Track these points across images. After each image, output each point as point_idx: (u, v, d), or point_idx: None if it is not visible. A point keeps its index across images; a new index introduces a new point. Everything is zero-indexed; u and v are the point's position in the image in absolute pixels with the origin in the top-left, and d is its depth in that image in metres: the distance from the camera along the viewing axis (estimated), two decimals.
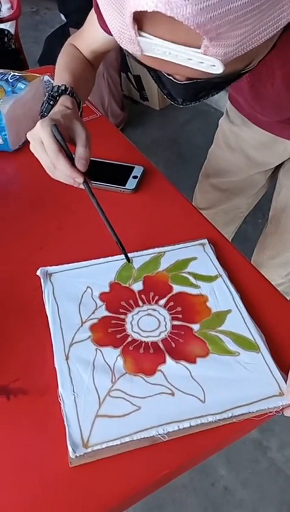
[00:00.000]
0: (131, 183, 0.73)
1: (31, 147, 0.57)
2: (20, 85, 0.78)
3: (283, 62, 0.52)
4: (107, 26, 0.64)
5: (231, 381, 0.49)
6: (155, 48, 0.34)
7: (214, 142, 0.97)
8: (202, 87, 0.42)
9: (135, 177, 0.74)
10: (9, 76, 0.80)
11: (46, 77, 0.93)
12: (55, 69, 0.70)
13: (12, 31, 1.73)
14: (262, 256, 1.04)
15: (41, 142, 0.54)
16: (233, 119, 0.88)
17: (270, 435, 1.20)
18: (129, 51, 0.36)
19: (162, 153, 2.06)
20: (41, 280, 0.59)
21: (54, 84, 0.64)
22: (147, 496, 0.46)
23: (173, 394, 0.48)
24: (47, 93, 0.62)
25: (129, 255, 0.61)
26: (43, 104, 0.62)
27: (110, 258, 0.62)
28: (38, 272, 0.59)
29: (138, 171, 0.76)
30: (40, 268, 0.60)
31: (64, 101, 0.60)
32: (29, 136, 0.56)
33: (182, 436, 0.45)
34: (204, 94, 0.44)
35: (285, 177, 0.90)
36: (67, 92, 0.62)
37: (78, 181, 0.55)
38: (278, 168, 0.93)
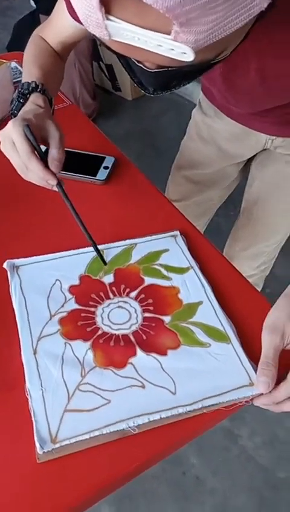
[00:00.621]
0: (102, 174, 0.72)
1: (2, 147, 0.54)
2: None
3: (257, 54, 0.52)
4: (74, 13, 0.62)
5: (202, 373, 0.49)
6: (123, 33, 0.32)
7: (186, 133, 0.97)
8: (173, 76, 0.41)
9: (106, 167, 0.73)
10: None
11: (14, 63, 0.90)
12: (23, 62, 0.68)
13: None
14: (234, 248, 1.05)
15: (13, 143, 0.52)
16: (206, 111, 0.87)
17: (241, 423, 1.22)
18: (97, 35, 0.34)
19: (135, 144, 2.04)
20: (8, 273, 0.57)
21: (23, 81, 0.62)
22: (122, 486, 0.45)
23: (143, 387, 0.47)
24: (17, 91, 0.60)
25: (100, 247, 0.60)
26: (12, 102, 0.60)
27: (80, 250, 0.61)
28: (4, 265, 0.58)
29: (109, 161, 0.74)
30: (7, 260, 0.58)
31: (35, 99, 0.58)
32: (1, 134, 0.54)
33: (153, 428, 0.45)
34: (175, 83, 0.43)
35: (257, 170, 0.91)
36: (38, 90, 0.59)
37: (51, 183, 0.54)
38: (250, 160, 0.93)
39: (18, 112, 0.58)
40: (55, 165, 0.54)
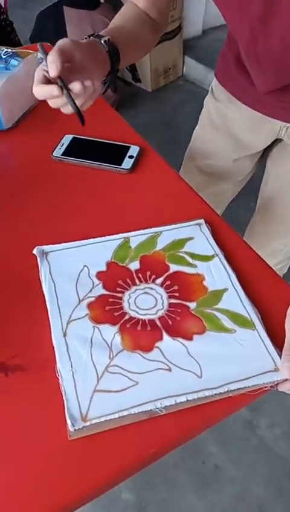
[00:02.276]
0: (127, 163, 0.73)
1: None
2: (13, 61, 0.77)
3: None
4: None
5: (227, 357, 0.50)
6: None
7: (199, 122, 0.96)
8: None
9: (131, 156, 0.74)
10: (2, 52, 0.78)
11: (40, 54, 0.91)
12: None
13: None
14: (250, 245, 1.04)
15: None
16: (218, 97, 0.86)
17: (260, 414, 1.23)
18: None
19: (154, 135, 2.04)
20: (38, 259, 0.59)
21: None
22: (143, 469, 0.47)
23: (170, 370, 0.48)
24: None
25: (126, 234, 0.62)
26: None
27: (107, 238, 0.62)
28: (34, 251, 0.59)
29: (133, 150, 0.75)
30: (37, 247, 0.60)
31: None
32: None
33: (178, 411, 0.46)
34: None
35: (272, 166, 0.90)
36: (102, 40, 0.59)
37: (50, 74, 0.53)
38: (266, 156, 0.92)
39: None
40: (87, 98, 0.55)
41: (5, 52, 0.78)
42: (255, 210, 1.00)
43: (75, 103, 0.54)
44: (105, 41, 0.60)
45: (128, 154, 0.74)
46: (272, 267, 1.02)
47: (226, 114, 0.86)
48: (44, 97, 0.54)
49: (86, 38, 0.59)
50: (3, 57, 0.77)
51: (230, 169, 0.94)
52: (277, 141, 0.87)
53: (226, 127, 0.87)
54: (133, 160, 0.73)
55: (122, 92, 2.27)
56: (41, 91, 0.54)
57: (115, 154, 0.74)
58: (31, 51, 0.81)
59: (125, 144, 0.76)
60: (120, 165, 0.73)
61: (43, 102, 0.56)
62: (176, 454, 1.16)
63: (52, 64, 0.52)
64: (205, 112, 0.93)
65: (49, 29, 1.80)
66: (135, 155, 0.74)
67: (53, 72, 0.52)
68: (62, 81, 0.53)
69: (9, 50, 0.79)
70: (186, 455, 1.17)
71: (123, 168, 0.72)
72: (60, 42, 0.54)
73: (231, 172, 0.95)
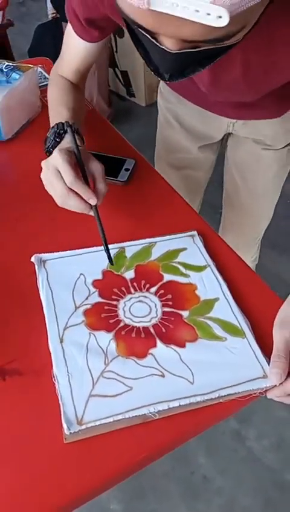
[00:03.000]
0: (123, 175, 0.75)
1: (44, 176, 0.59)
2: (14, 75, 0.79)
3: (244, 48, 0.53)
4: (84, 31, 0.66)
5: (218, 364, 0.51)
6: (164, 1, 0.34)
7: (157, 124, 1.00)
8: (191, 59, 0.43)
9: (126, 169, 0.76)
10: (4, 66, 0.80)
11: (39, 69, 0.94)
12: (49, 103, 0.72)
13: None
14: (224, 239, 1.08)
15: (57, 171, 0.57)
16: (167, 97, 0.91)
17: (248, 425, 1.24)
18: (135, 4, 0.35)
19: (147, 150, 2.07)
20: (36, 266, 0.60)
21: (51, 123, 0.65)
22: (137, 471, 0.48)
23: (163, 376, 0.50)
24: (52, 130, 0.64)
25: (122, 244, 0.64)
26: (47, 140, 0.64)
27: (103, 247, 0.63)
28: (32, 259, 0.61)
29: (129, 163, 0.78)
30: (35, 255, 0.61)
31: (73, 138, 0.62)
32: (44, 163, 0.59)
33: (170, 415, 0.47)
34: (191, 70, 0.45)
35: (231, 154, 0.94)
36: (73, 130, 0.63)
37: (92, 203, 0.58)
38: (223, 146, 0.96)
39: (53, 149, 0.61)
40: (101, 199, 0.59)
41: (6, 65, 0.81)
42: (222, 202, 1.04)
43: (107, 244, 0.60)
44: (77, 129, 0.64)
45: (125, 167, 0.77)
46: (251, 262, 1.08)
47: (176, 112, 0.91)
48: (74, 209, 0.59)
49: (55, 131, 0.63)
50: (5, 70, 0.79)
51: (197, 158, 0.97)
52: (229, 134, 0.92)
53: (180, 123, 0.92)
54: (129, 172, 0.76)
55: (116, 106, 2.31)
56: (74, 206, 0.59)
57: (112, 166, 0.76)
58: (31, 65, 0.84)
59: (122, 157, 0.79)
60: (116, 177, 0.75)
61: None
62: (166, 464, 1.17)
63: (82, 189, 0.57)
64: (159, 112, 0.98)
65: (47, 43, 1.84)
66: (130, 168, 0.77)
67: (93, 201, 0.58)
68: (96, 211, 0.59)
69: (10, 64, 0.81)
70: (176, 465, 1.17)
71: (119, 180, 0.75)
72: (64, 157, 0.58)
73: (199, 160, 0.98)
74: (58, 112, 0.68)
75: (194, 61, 0.44)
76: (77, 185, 0.57)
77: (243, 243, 1.06)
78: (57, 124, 0.64)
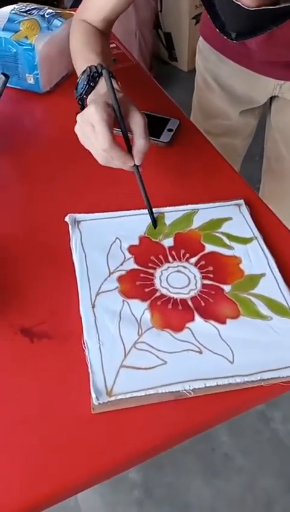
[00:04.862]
0: (165, 136, 0.70)
1: (78, 130, 0.53)
2: (56, 22, 0.74)
3: None
4: None
5: (261, 345, 0.47)
6: None
7: (195, 85, 0.92)
8: (265, 17, 0.39)
9: (170, 130, 0.71)
10: (46, 12, 0.75)
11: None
12: (72, 52, 0.65)
13: None
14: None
15: (92, 126, 0.51)
16: (207, 56, 0.83)
17: (274, 407, 1.21)
18: None
19: (188, 116, 1.99)
20: (70, 227, 0.57)
21: (79, 71, 0.59)
22: (165, 451, 0.45)
23: (200, 352, 0.46)
24: (85, 74, 0.57)
25: (161, 209, 0.59)
26: (78, 85, 0.57)
27: (141, 211, 0.59)
28: (66, 218, 0.57)
29: (173, 124, 0.72)
30: (69, 214, 0.58)
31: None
32: (79, 117, 0.52)
33: (204, 395, 0.44)
34: (263, 28, 0.42)
35: (274, 120, 0.86)
36: (109, 73, 0.55)
37: (129, 165, 0.53)
38: (265, 111, 0.88)
39: (87, 96, 0.55)
40: (140, 158, 0.53)
41: (48, 12, 0.75)
42: (262, 171, 0.97)
43: (150, 204, 0.56)
44: (113, 74, 0.57)
45: (168, 127, 0.71)
46: None
47: (216, 72, 0.83)
48: (113, 166, 0.54)
49: (88, 74, 0.56)
50: (47, 16, 0.74)
51: (237, 125, 0.90)
52: (274, 97, 0.84)
53: (220, 86, 0.84)
54: (172, 133, 0.70)
55: (157, 70, 2.21)
56: (118, 164, 0.53)
57: (154, 126, 0.71)
58: (73, 13, 0.78)
59: (165, 117, 0.73)
60: (159, 137, 0.70)
61: None
62: None
63: (120, 155, 0.52)
64: (197, 73, 0.89)
65: None
66: (174, 128, 0.71)
67: (130, 162, 0.52)
68: (138, 171, 0.55)
69: (52, 10, 0.76)
70: (196, 441, 1.15)
71: (161, 141, 0.69)
72: (101, 116, 0.50)
73: (238, 127, 0.91)
74: (85, 59, 0.60)
75: (269, 19, 0.40)
76: (114, 150, 0.51)
77: (285, 214, 0.98)
78: (89, 66, 0.57)
